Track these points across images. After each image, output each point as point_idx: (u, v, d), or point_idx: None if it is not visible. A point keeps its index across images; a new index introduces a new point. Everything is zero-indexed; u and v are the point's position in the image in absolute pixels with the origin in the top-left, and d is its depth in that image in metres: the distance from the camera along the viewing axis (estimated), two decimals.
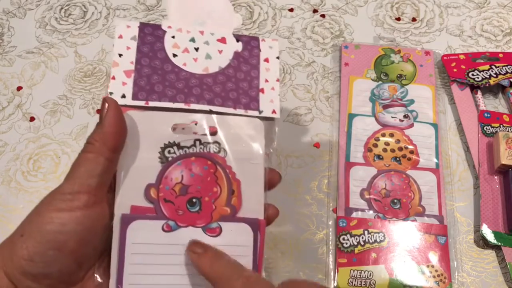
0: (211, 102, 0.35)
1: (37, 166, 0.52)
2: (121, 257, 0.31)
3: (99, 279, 0.31)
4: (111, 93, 0.33)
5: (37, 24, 0.62)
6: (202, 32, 0.36)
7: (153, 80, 0.34)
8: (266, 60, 0.38)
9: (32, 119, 0.55)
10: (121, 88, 0.34)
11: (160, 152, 0.32)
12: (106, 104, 0.30)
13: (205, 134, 0.33)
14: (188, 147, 0.33)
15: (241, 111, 0.35)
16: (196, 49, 0.36)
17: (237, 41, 0.37)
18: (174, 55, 0.36)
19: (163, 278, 0.31)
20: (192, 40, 0.36)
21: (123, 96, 0.33)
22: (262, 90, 0.36)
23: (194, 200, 0.32)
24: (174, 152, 0.32)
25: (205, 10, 0.37)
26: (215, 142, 0.33)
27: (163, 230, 0.31)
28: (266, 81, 0.37)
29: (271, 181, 0.34)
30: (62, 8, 0.63)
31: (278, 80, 0.37)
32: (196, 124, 0.33)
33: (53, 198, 0.29)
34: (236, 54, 0.37)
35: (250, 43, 0.37)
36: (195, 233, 0.32)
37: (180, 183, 0.32)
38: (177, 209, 0.32)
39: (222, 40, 0.37)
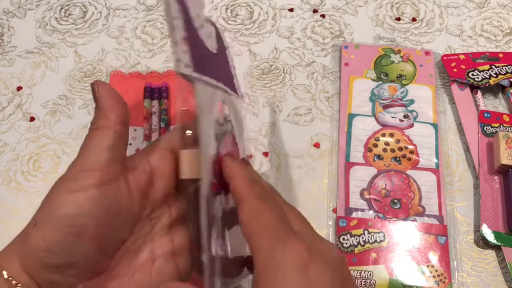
0: (224, 82, 0.33)
1: (37, 166, 0.52)
2: None
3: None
4: (178, 60, 0.27)
5: (37, 24, 0.62)
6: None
7: (198, 54, 0.29)
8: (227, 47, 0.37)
9: (32, 119, 0.55)
10: (184, 56, 0.27)
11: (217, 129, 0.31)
12: (96, 87, 0.29)
13: (226, 114, 0.34)
14: (222, 125, 0.32)
15: (234, 94, 0.36)
16: (201, 26, 0.32)
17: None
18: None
19: None
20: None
21: (187, 66, 0.27)
22: (235, 75, 0.37)
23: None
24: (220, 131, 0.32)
25: None
26: (229, 120, 0.34)
27: None
28: (234, 68, 0.37)
29: None
30: (62, 8, 0.63)
31: (234, 68, 0.38)
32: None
33: (64, 180, 0.27)
34: (218, 37, 0.36)
35: (218, 31, 0.36)
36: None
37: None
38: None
39: (207, 21, 0.34)
